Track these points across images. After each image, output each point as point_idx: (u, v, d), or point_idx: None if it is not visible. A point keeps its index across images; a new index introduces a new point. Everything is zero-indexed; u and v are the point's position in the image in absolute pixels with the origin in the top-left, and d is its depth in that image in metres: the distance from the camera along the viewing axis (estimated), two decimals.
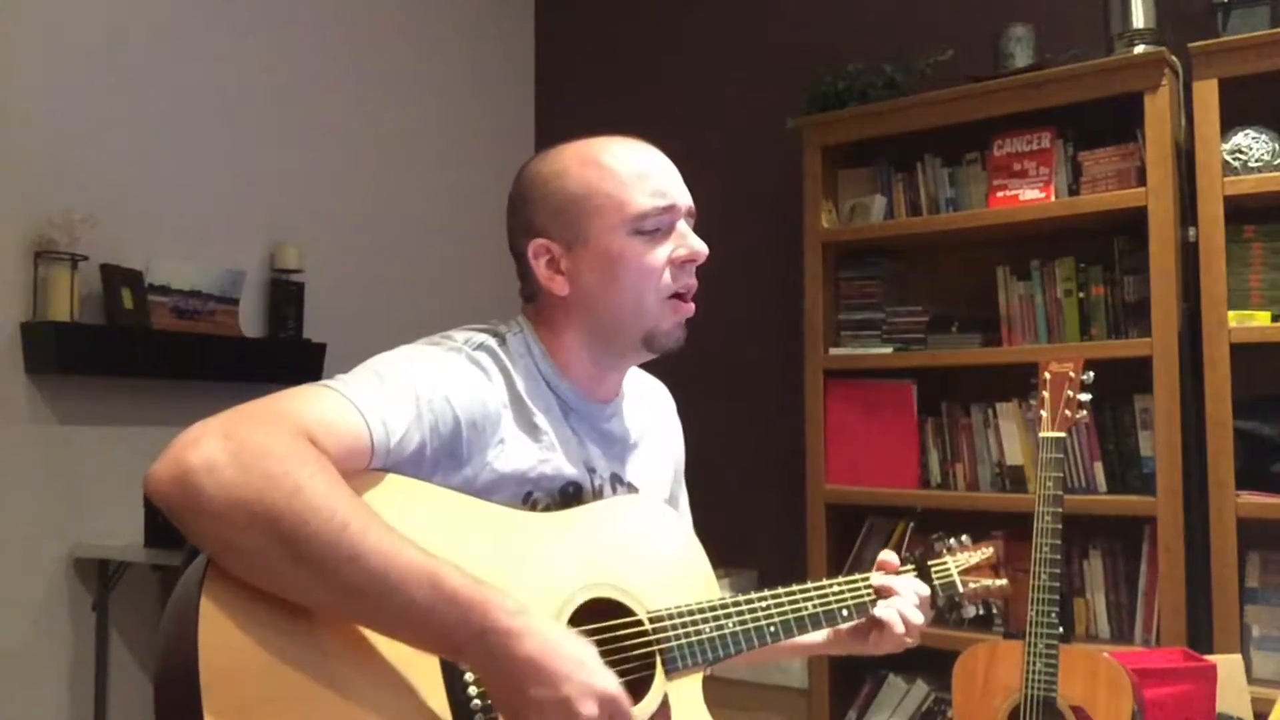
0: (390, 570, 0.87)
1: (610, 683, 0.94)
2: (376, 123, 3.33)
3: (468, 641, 0.90)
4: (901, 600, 1.32)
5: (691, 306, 1.21)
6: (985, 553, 1.49)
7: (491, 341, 1.15)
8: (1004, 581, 1.47)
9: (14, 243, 2.43)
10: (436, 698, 0.95)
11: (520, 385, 1.14)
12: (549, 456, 1.15)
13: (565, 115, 3.79)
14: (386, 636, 0.92)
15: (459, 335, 1.15)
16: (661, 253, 1.17)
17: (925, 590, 1.36)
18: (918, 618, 1.32)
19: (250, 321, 2.90)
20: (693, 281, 1.20)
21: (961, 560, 1.46)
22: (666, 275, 1.17)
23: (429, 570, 0.89)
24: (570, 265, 1.17)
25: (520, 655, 0.90)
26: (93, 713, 2.54)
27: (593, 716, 0.91)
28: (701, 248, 1.19)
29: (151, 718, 0.88)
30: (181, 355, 2.66)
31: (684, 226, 1.19)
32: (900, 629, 1.30)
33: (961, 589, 1.44)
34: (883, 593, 1.33)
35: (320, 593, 0.88)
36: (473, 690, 0.96)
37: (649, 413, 1.34)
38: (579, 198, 1.16)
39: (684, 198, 1.20)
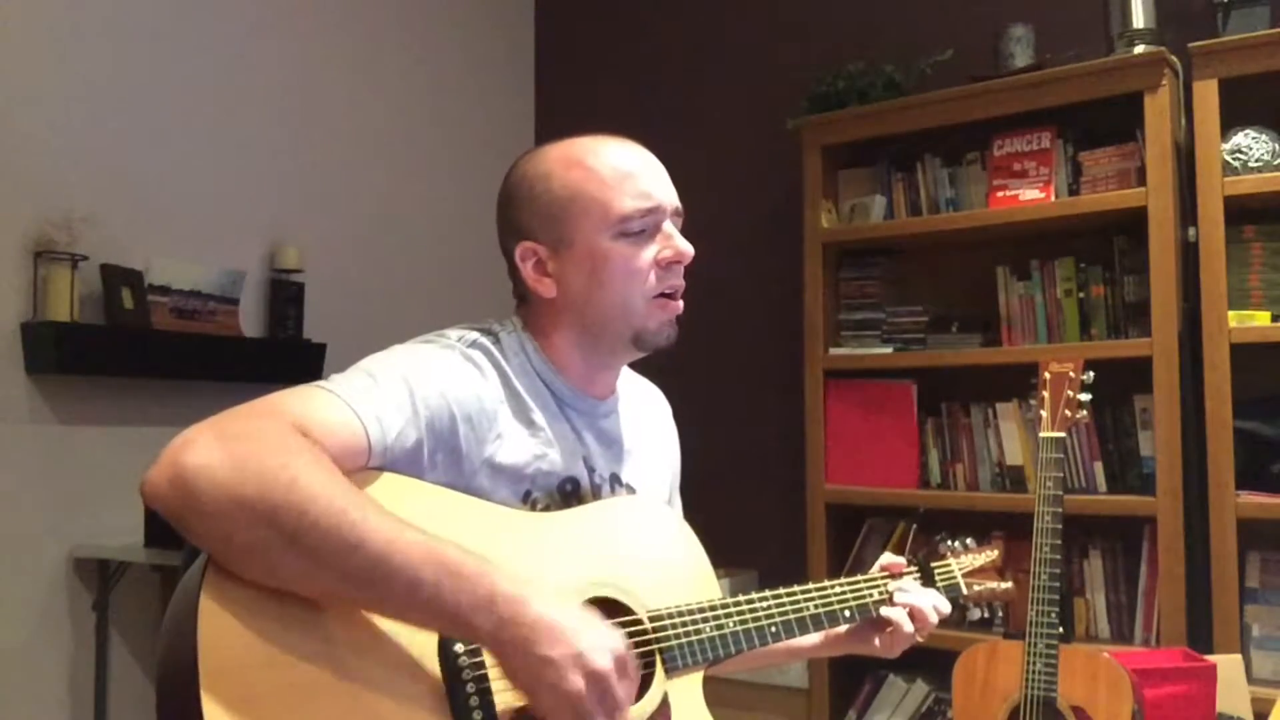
0: (393, 552, 0.88)
1: (618, 640, 0.96)
2: (377, 123, 3.33)
3: (476, 612, 0.90)
4: (912, 596, 1.32)
5: (680, 304, 1.20)
6: (990, 555, 1.49)
7: (485, 339, 1.16)
8: (1009, 584, 1.47)
9: (14, 243, 2.43)
10: (434, 686, 0.95)
11: (515, 381, 1.15)
12: (546, 452, 1.15)
13: (565, 115, 3.79)
14: (393, 619, 0.92)
15: (452, 333, 1.16)
16: (647, 254, 1.16)
17: (942, 601, 1.36)
18: (932, 613, 1.32)
19: (250, 321, 2.90)
20: (679, 282, 1.19)
21: (965, 562, 1.46)
22: (652, 277, 1.16)
23: (431, 549, 0.90)
24: (556, 268, 1.17)
25: (530, 617, 0.91)
26: (93, 713, 2.53)
27: (607, 669, 0.93)
28: (687, 248, 1.18)
29: (152, 717, 0.89)
30: (181, 355, 2.66)
31: (670, 227, 1.18)
32: (909, 628, 1.30)
33: (965, 591, 1.44)
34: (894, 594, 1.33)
35: (325, 581, 0.88)
36: (467, 674, 0.96)
37: (646, 418, 1.34)
38: (563, 200, 1.15)
39: (670, 198, 1.19)
